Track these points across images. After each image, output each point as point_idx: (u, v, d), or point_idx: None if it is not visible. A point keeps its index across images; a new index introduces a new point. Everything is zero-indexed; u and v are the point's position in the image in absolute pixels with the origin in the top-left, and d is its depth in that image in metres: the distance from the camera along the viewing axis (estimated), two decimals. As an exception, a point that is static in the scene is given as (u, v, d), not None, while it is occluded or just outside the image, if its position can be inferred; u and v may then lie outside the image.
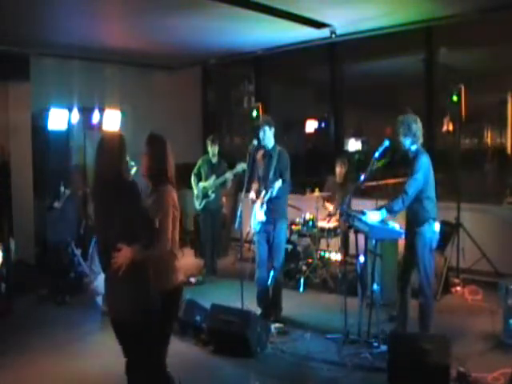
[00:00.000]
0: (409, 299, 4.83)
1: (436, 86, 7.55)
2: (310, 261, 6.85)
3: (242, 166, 6.94)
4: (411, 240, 4.67)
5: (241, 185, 5.87)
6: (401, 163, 4.90)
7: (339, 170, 7.21)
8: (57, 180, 7.47)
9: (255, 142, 5.53)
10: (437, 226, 4.67)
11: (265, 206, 5.43)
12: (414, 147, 4.66)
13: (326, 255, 7.05)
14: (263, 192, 5.48)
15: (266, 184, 5.51)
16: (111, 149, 3.17)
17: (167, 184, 3.27)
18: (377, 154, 4.77)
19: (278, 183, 5.35)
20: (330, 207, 7.18)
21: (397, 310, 4.92)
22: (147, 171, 3.35)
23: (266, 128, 5.48)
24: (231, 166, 7.21)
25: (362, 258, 5.07)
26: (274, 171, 5.48)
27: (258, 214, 5.49)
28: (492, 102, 7.88)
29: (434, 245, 4.71)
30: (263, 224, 5.51)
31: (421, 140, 4.67)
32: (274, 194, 5.36)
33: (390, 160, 5.11)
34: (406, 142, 4.64)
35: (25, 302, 6.22)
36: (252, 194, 5.64)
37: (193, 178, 7.38)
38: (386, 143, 4.76)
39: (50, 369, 4.55)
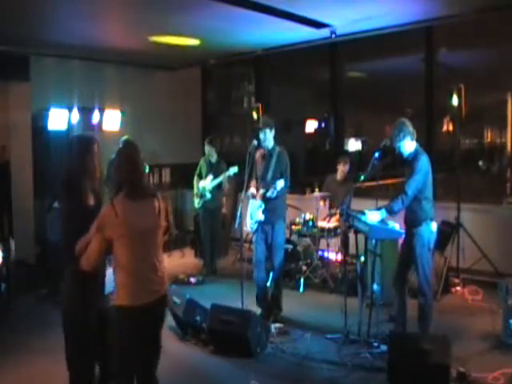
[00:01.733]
0: (407, 299, 4.83)
1: (436, 86, 7.55)
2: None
3: (233, 170, 7.02)
4: (409, 240, 4.68)
5: (241, 185, 5.87)
6: (401, 163, 4.90)
7: (341, 168, 7.24)
8: (57, 180, 7.45)
9: (255, 143, 5.54)
10: (434, 226, 4.67)
11: (263, 206, 5.44)
12: (414, 145, 4.66)
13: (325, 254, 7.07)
14: (263, 190, 5.47)
15: (264, 184, 5.51)
16: (72, 151, 3.36)
17: (111, 200, 3.01)
18: (376, 154, 4.78)
19: (281, 182, 5.35)
20: (326, 205, 7.20)
21: (395, 311, 4.92)
22: None
23: (267, 130, 5.50)
24: (230, 166, 7.23)
25: (361, 258, 5.08)
26: (274, 171, 5.48)
27: (256, 213, 5.49)
28: (492, 102, 7.89)
29: (432, 244, 4.72)
30: (261, 224, 5.52)
31: (415, 135, 4.69)
32: (275, 193, 5.35)
33: (391, 162, 5.11)
34: (405, 145, 4.64)
35: (25, 302, 6.22)
36: (252, 190, 5.64)
37: (195, 179, 7.42)
38: (385, 143, 4.77)
39: (49, 369, 4.53)
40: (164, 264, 3.24)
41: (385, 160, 4.91)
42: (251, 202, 5.62)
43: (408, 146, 4.66)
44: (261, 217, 5.46)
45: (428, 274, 4.65)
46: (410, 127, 4.65)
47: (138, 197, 3.03)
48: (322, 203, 7.22)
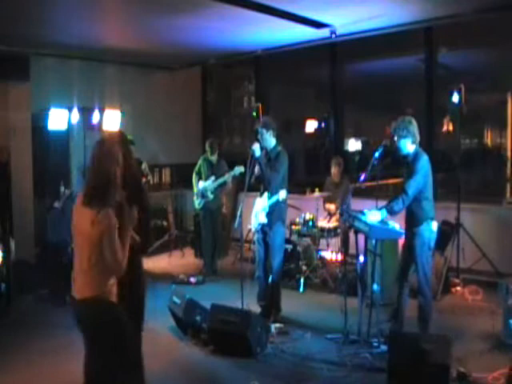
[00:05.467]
0: (406, 299, 4.83)
1: (436, 86, 7.55)
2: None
3: (239, 169, 6.95)
4: (410, 240, 4.68)
5: (241, 185, 5.86)
6: (400, 163, 4.90)
7: (334, 170, 7.23)
8: (57, 180, 7.47)
9: (256, 145, 5.52)
10: (434, 226, 4.67)
11: (268, 209, 5.44)
12: (413, 148, 4.66)
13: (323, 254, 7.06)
14: (266, 193, 5.48)
15: (265, 185, 5.52)
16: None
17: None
18: (376, 154, 4.78)
19: (283, 193, 5.39)
20: (332, 206, 7.17)
21: (393, 309, 4.92)
22: None
23: (263, 131, 5.50)
24: (231, 166, 7.21)
25: (361, 258, 5.08)
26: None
27: (261, 216, 5.50)
28: (492, 102, 7.89)
29: (433, 244, 4.72)
30: (262, 224, 5.53)
31: (419, 139, 4.68)
32: (279, 199, 5.38)
33: (391, 162, 5.10)
34: (406, 143, 4.64)
35: (25, 302, 6.21)
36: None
37: (194, 177, 7.41)
38: (385, 144, 4.78)
39: (49, 369, 4.54)
40: (93, 279, 2.98)
41: (385, 161, 4.91)
42: (257, 201, 5.63)
43: (408, 146, 4.66)
44: (264, 220, 5.48)
45: (428, 273, 4.65)
46: (415, 129, 4.64)
47: (90, 202, 2.94)
48: (328, 204, 7.20)
